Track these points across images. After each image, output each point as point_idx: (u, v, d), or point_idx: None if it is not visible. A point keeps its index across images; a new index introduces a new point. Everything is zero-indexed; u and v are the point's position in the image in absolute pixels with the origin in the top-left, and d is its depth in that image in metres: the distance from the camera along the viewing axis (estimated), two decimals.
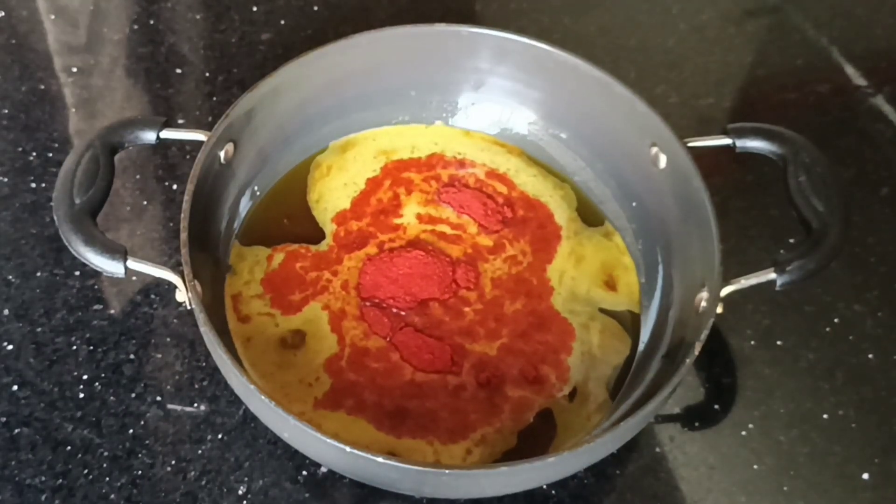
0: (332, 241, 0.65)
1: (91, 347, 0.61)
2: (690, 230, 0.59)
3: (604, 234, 0.67)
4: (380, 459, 0.47)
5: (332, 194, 0.68)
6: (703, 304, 0.55)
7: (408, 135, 0.71)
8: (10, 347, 0.61)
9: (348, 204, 0.67)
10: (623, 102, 0.63)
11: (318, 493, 0.56)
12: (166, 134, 0.58)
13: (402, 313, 0.61)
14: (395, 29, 0.67)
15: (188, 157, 0.71)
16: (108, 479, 0.56)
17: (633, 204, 0.66)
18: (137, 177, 0.70)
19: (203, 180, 0.58)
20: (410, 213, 0.67)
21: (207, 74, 0.78)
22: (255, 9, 0.82)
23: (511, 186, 0.69)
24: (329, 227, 0.66)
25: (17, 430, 0.58)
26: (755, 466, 0.59)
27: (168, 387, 0.60)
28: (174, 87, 0.77)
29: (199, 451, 0.57)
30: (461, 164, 0.70)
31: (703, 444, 0.60)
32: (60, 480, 0.56)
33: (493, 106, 0.71)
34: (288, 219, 0.66)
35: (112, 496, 0.56)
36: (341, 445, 0.47)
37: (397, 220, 0.66)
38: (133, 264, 0.53)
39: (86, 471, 0.56)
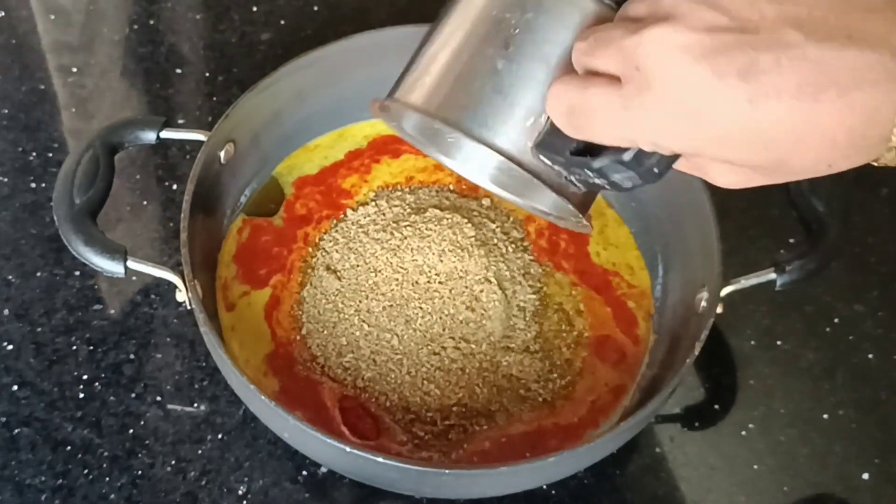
0: (284, 213, 0.65)
1: (91, 347, 0.61)
2: (690, 230, 0.59)
3: (616, 222, 0.67)
4: (380, 459, 0.47)
5: (306, 163, 0.68)
6: (703, 304, 0.55)
7: None
8: (10, 347, 0.61)
9: (315, 171, 0.67)
10: None
11: (318, 493, 0.56)
12: (166, 134, 0.58)
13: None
14: (395, 29, 0.66)
15: (188, 157, 0.71)
16: (108, 479, 0.56)
17: (633, 204, 0.66)
18: (137, 177, 0.70)
19: (203, 180, 0.58)
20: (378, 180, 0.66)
21: (207, 74, 0.77)
22: (255, 9, 0.82)
23: None
24: (288, 190, 0.66)
25: (17, 430, 0.58)
26: (755, 466, 0.59)
27: (168, 387, 0.60)
28: (174, 87, 0.77)
29: (199, 451, 0.57)
30: None
31: (703, 444, 0.60)
32: (60, 480, 0.56)
33: None
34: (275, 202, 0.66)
35: (112, 496, 0.55)
36: (341, 445, 0.47)
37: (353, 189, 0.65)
38: (133, 264, 0.53)
39: (86, 471, 0.56)
